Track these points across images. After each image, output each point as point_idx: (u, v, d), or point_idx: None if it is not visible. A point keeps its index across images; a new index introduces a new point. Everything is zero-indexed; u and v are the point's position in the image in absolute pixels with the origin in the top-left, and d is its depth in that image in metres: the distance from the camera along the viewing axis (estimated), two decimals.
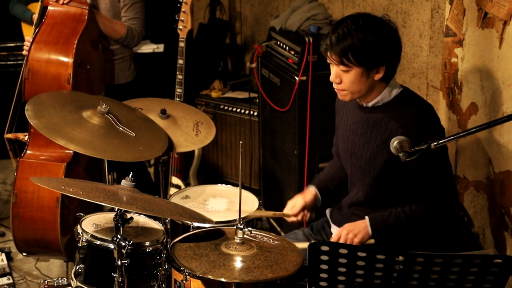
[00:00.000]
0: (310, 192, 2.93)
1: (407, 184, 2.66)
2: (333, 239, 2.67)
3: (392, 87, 2.65)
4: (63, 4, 3.54)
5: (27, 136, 3.49)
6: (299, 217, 2.89)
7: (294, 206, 2.89)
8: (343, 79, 2.59)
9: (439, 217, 2.67)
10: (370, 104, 2.67)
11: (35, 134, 3.42)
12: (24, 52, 3.54)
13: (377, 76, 2.58)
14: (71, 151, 3.38)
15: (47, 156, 3.43)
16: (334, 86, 2.64)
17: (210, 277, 2.31)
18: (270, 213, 3.01)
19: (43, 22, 3.51)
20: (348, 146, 2.78)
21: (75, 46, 3.42)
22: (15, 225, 3.42)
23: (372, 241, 2.66)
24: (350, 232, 2.64)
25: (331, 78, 2.62)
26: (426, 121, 2.57)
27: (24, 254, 3.58)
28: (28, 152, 3.44)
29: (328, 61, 2.62)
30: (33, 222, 3.38)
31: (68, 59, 3.41)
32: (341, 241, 2.63)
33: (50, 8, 3.55)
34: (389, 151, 2.56)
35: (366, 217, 2.66)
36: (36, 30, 3.49)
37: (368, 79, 2.58)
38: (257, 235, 2.59)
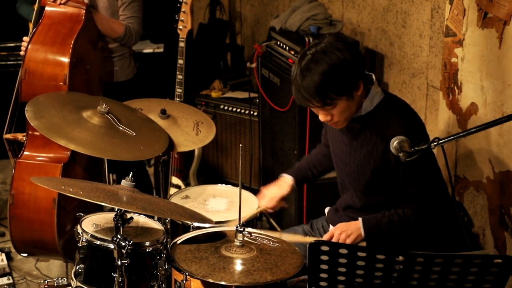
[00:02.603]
0: (287, 183, 2.97)
1: (398, 189, 2.66)
2: (325, 238, 2.67)
3: (373, 95, 2.62)
4: (60, 4, 3.52)
5: (25, 137, 3.49)
6: (276, 208, 2.96)
7: (272, 199, 2.94)
8: (333, 113, 2.57)
9: (433, 220, 2.67)
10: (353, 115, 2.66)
11: (32, 135, 3.41)
12: (22, 53, 3.53)
13: (359, 92, 2.56)
14: (68, 153, 3.37)
15: (44, 157, 3.42)
16: (328, 123, 2.63)
17: (210, 280, 2.31)
18: (252, 213, 3.01)
19: (40, 23, 3.50)
20: (337, 152, 2.78)
21: (71, 46, 3.40)
22: (13, 226, 3.41)
23: (364, 243, 2.65)
24: (343, 232, 2.64)
25: (322, 119, 2.60)
26: (409, 130, 2.53)
27: (23, 254, 3.58)
28: (25, 153, 3.43)
29: (311, 108, 2.59)
30: (30, 223, 3.37)
31: (64, 60, 3.39)
32: (334, 240, 2.63)
33: (47, 8, 3.53)
34: (375, 161, 2.58)
35: (360, 218, 2.66)
36: (33, 31, 3.47)
37: (354, 100, 2.57)
38: (257, 238, 2.59)
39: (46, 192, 3.31)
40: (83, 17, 3.53)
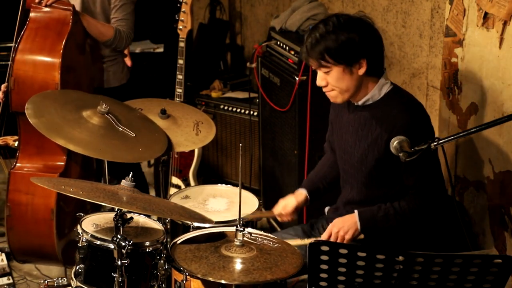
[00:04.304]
0: (301, 194, 2.94)
1: (398, 183, 2.67)
2: (324, 237, 2.68)
3: (382, 85, 2.66)
4: (45, 6, 3.39)
5: (17, 142, 3.44)
6: (290, 217, 2.92)
7: (286, 206, 2.92)
8: (328, 80, 2.63)
9: (428, 214, 2.68)
10: (360, 103, 2.69)
11: (25, 143, 3.35)
12: None
13: (361, 71, 2.60)
14: (63, 162, 3.32)
15: (39, 166, 3.35)
16: (323, 90, 2.68)
17: (210, 279, 2.31)
18: (264, 214, 3.04)
19: (26, 27, 3.36)
20: (341, 143, 2.80)
21: (61, 52, 3.28)
22: (10, 238, 3.38)
23: (362, 236, 2.67)
24: (341, 229, 2.65)
25: (317, 83, 2.67)
26: (414, 121, 2.57)
27: (21, 262, 3.56)
28: (18, 163, 3.36)
29: (312, 67, 2.67)
30: (29, 235, 3.33)
31: (55, 66, 3.26)
32: (332, 239, 2.65)
33: (32, 11, 3.39)
34: (379, 150, 2.60)
35: (356, 211, 2.68)
36: (20, 36, 3.34)
37: (353, 75, 2.60)
38: (257, 238, 2.59)
39: (44, 203, 3.27)
40: (70, 20, 3.39)
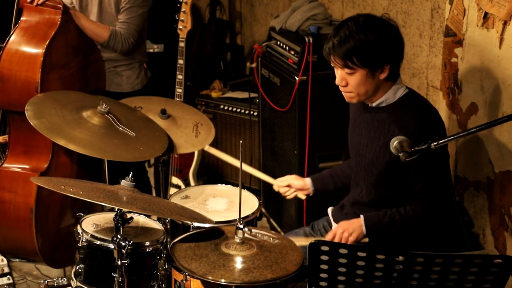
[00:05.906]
0: (304, 179, 3.04)
1: (407, 187, 2.67)
2: (328, 237, 2.68)
3: (397, 88, 2.65)
4: (37, 4, 3.36)
5: None
6: (281, 190, 3.06)
7: (284, 180, 3.07)
8: (348, 81, 2.59)
9: (434, 220, 2.67)
10: (374, 104, 2.67)
11: (14, 141, 3.34)
12: None
13: (382, 76, 2.58)
14: (45, 165, 3.31)
15: (23, 165, 3.34)
16: (341, 89, 2.65)
17: (210, 278, 2.31)
18: (260, 174, 3.29)
19: (17, 27, 3.35)
20: (354, 144, 2.80)
21: (44, 50, 3.24)
22: None
23: (366, 239, 2.67)
24: (345, 231, 2.65)
25: (337, 81, 2.63)
26: (427, 125, 2.56)
27: (13, 260, 3.56)
28: (6, 162, 3.35)
29: (332, 64, 2.63)
30: (11, 232, 3.33)
31: (36, 65, 3.22)
32: (336, 239, 2.65)
33: (25, 11, 3.37)
34: (391, 154, 2.57)
35: (361, 216, 2.68)
36: (10, 34, 3.32)
37: (374, 79, 2.58)
38: (257, 234, 2.59)
39: (24, 202, 3.26)
40: (59, 19, 3.36)
